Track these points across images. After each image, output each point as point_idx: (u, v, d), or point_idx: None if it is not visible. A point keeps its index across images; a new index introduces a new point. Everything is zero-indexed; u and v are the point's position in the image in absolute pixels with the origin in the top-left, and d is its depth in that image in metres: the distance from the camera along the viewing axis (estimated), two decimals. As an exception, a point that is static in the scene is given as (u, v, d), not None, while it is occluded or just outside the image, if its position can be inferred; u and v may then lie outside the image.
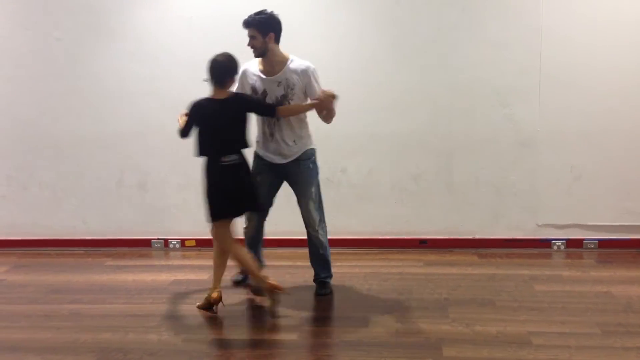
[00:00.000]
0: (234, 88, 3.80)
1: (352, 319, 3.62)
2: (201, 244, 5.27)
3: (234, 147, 3.67)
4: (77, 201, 5.40)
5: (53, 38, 5.18)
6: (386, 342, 3.28)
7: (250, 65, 3.85)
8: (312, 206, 3.91)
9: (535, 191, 4.99)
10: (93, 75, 5.20)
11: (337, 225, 5.12)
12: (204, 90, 5.02)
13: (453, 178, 5.05)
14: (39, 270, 4.81)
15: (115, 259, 5.09)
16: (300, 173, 3.87)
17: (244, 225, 4.10)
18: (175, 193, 5.29)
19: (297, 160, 3.82)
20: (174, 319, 3.72)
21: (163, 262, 5.00)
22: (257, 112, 3.80)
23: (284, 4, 4.91)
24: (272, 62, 3.77)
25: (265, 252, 5.08)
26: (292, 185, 3.97)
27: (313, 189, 3.89)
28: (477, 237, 5.09)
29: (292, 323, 3.60)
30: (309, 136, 3.89)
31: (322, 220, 4.00)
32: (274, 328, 3.54)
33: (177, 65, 5.10)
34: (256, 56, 3.78)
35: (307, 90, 3.76)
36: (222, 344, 3.33)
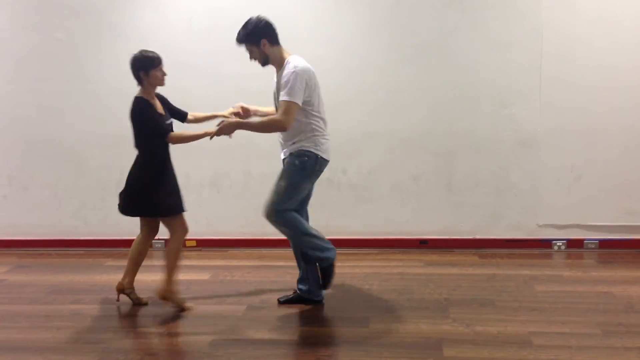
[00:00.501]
0: None
1: (353, 319, 3.62)
2: (202, 244, 5.28)
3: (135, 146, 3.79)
4: (78, 202, 5.40)
5: (54, 39, 5.19)
6: (387, 342, 3.29)
7: None
8: (270, 194, 3.69)
9: (536, 191, 5.00)
10: (94, 75, 5.21)
11: (337, 226, 5.14)
12: (204, 90, 5.05)
13: (453, 178, 5.05)
14: (40, 271, 4.81)
15: (116, 259, 5.09)
16: (285, 166, 3.76)
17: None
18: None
19: (290, 154, 3.71)
20: (174, 319, 3.72)
21: (163, 263, 4.99)
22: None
23: (283, 5, 4.94)
24: (277, 64, 3.72)
25: (265, 252, 5.10)
26: None
27: (282, 183, 3.67)
28: (477, 237, 5.09)
29: (293, 323, 3.60)
30: (308, 139, 3.66)
31: (278, 211, 3.66)
32: (275, 328, 3.54)
33: (177, 65, 5.08)
34: (262, 65, 3.74)
35: (284, 93, 3.52)
36: (223, 344, 3.33)
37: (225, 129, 3.61)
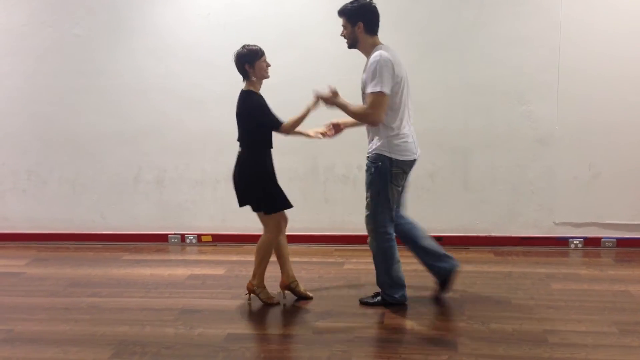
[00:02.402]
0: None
1: (367, 315, 3.62)
2: (217, 239, 5.31)
3: (241, 141, 3.71)
4: (96, 196, 5.46)
5: (73, 35, 5.24)
6: (401, 338, 3.29)
7: None
8: (365, 212, 3.65)
9: (553, 189, 4.96)
10: (112, 71, 5.26)
11: (353, 222, 5.14)
12: (221, 87, 5.07)
13: (469, 175, 5.03)
14: (58, 264, 4.87)
15: (133, 253, 5.14)
16: (366, 174, 3.64)
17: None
18: (192, 189, 5.33)
19: (367, 159, 3.61)
20: (190, 313, 3.75)
21: (180, 257, 5.04)
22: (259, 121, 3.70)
23: (300, 1, 4.95)
24: (366, 52, 3.56)
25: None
26: None
27: (367, 194, 3.61)
28: (493, 234, 5.06)
29: (307, 319, 3.61)
30: (381, 141, 3.52)
31: (373, 228, 3.64)
32: (289, 323, 3.55)
33: (194, 62, 5.14)
34: (348, 47, 3.62)
35: (369, 85, 3.41)
36: (238, 339, 3.35)
37: (328, 100, 3.56)
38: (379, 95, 3.36)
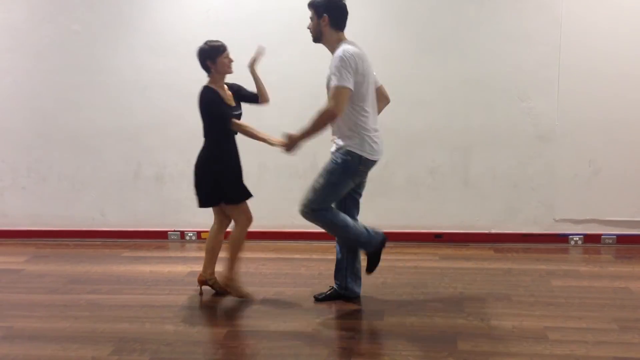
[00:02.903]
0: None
1: (367, 312, 3.62)
2: (217, 236, 5.30)
3: (204, 135, 3.83)
4: (96, 193, 5.45)
5: (72, 31, 5.23)
6: (401, 335, 3.28)
7: None
8: (308, 191, 3.54)
9: (553, 186, 4.95)
10: (112, 68, 5.24)
11: (352, 219, 5.14)
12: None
13: (470, 172, 5.02)
14: (57, 261, 4.87)
15: (133, 250, 5.14)
16: (327, 162, 3.56)
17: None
18: (192, 185, 5.30)
19: (335, 150, 3.53)
20: (190, 310, 3.75)
21: (179, 254, 5.04)
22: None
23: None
24: (330, 47, 3.51)
25: (281, 245, 5.12)
26: None
27: (320, 180, 3.50)
28: (493, 231, 5.06)
29: (307, 316, 3.61)
30: (354, 138, 3.46)
31: (315, 208, 3.51)
32: (289, 321, 3.55)
33: (195, 58, 5.11)
34: (313, 41, 3.56)
35: (331, 79, 3.36)
36: (238, 335, 3.35)
37: (291, 147, 3.49)
38: (340, 89, 3.29)
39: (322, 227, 3.63)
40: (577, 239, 4.97)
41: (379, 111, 3.76)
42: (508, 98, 4.89)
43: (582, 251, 4.84)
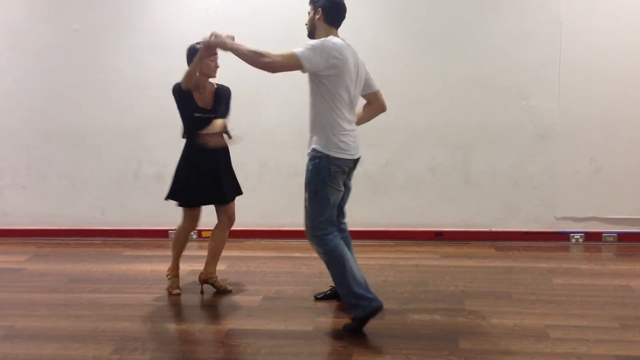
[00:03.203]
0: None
1: (368, 311, 3.61)
2: (218, 234, 5.30)
3: None
4: (96, 192, 5.45)
5: (72, 30, 5.23)
6: (402, 334, 3.28)
7: None
8: (304, 212, 3.40)
9: (554, 184, 4.95)
10: (111, 67, 5.24)
11: (353, 217, 5.11)
12: (221, 82, 5.04)
13: (470, 170, 5.02)
14: (58, 260, 4.87)
15: (133, 249, 5.13)
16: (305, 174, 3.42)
17: None
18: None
19: (308, 155, 3.41)
20: (191, 308, 3.75)
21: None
22: None
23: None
24: None
25: (281, 243, 5.11)
26: None
27: (305, 196, 3.36)
28: (494, 229, 5.06)
29: (308, 314, 3.61)
30: (320, 137, 3.33)
31: (314, 234, 3.37)
32: (290, 319, 3.55)
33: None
34: (308, 35, 3.45)
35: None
36: (239, 334, 3.35)
37: (212, 41, 3.32)
38: (294, 57, 3.16)
39: (323, 258, 3.40)
40: (578, 237, 4.97)
41: (370, 118, 3.68)
42: (508, 96, 4.89)
43: (583, 249, 4.84)
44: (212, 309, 3.74)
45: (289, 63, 3.19)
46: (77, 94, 5.33)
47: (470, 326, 3.35)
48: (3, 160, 5.50)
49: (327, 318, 3.54)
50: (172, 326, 3.47)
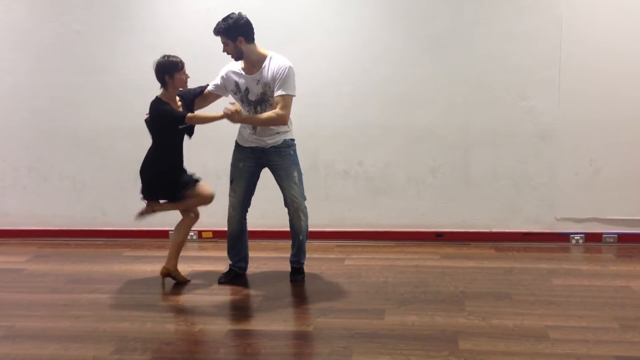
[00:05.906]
0: (214, 83, 4.08)
1: (368, 312, 3.62)
2: (218, 235, 5.30)
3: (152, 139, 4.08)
4: (96, 192, 5.45)
5: (72, 31, 5.23)
6: (402, 334, 3.28)
7: (232, 65, 3.96)
8: (294, 187, 4.03)
9: (554, 184, 4.95)
10: (112, 67, 5.25)
11: (353, 218, 5.15)
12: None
13: (470, 171, 5.02)
14: (58, 260, 4.87)
15: (134, 249, 5.14)
16: (285, 157, 3.99)
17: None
18: (193, 185, 5.31)
19: (283, 144, 3.97)
20: (191, 309, 3.75)
21: (181, 253, 5.03)
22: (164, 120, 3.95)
23: (301, -4, 4.93)
24: (252, 61, 3.86)
25: (282, 243, 5.11)
26: (274, 171, 4.08)
27: (295, 174, 4.03)
28: (494, 230, 5.06)
29: (308, 314, 3.61)
30: (290, 130, 4.01)
31: (304, 206, 4.13)
32: (290, 320, 3.55)
33: (194, 57, 5.09)
34: (236, 60, 3.90)
35: (282, 89, 3.79)
36: (239, 335, 3.35)
37: (236, 118, 3.81)
38: (291, 97, 3.82)
39: (305, 229, 4.13)
40: (578, 237, 4.97)
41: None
42: (509, 97, 4.89)
43: (583, 250, 4.84)
44: (212, 309, 3.74)
45: (290, 106, 3.86)
46: (78, 95, 5.33)
47: (470, 327, 3.35)
48: (4, 160, 5.51)
49: (327, 318, 3.54)
50: (172, 326, 3.48)
